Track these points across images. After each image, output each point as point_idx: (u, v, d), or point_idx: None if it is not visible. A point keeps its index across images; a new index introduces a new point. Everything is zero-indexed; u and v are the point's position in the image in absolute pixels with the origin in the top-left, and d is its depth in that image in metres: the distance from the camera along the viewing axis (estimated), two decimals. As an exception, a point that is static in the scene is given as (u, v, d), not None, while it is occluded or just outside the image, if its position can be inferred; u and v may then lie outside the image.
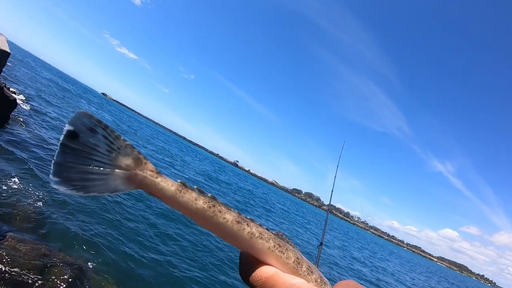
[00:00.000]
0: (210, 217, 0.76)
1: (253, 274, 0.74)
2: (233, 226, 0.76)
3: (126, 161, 0.75)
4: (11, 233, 7.48)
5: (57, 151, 0.70)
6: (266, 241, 0.77)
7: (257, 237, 0.77)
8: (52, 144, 17.03)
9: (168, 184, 0.76)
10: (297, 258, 0.79)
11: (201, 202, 0.76)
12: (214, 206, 0.77)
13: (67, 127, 0.70)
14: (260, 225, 0.82)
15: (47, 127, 19.93)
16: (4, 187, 9.85)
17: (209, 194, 0.79)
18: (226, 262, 13.95)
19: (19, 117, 17.84)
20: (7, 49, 11.09)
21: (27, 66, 66.94)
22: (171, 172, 29.87)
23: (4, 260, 6.61)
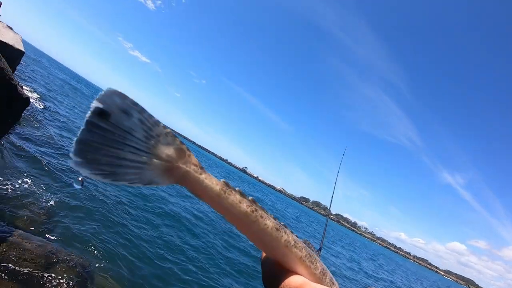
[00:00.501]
0: (252, 222, 0.70)
1: (283, 283, 0.70)
2: (272, 233, 0.71)
3: (167, 151, 0.65)
4: (19, 231, 7.49)
5: (81, 128, 0.62)
6: (300, 250, 0.73)
7: (293, 245, 0.73)
8: (64, 143, 17.13)
9: (213, 183, 0.68)
10: (323, 269, 0.77)
11: (244, 206, 0.69)
12: (256, 210, 0.70)
13: (95, 104, 0.62)
14: (292, 232, 0.77)
15: (58, 126, 20.05)
16: (16, 185, 9.88)
17: (250, 197, 0.72)
18: (227, 268, 13.92)
19: (31, 115, 17.97)
20: (22, 48, 11.15)
21: (41, 66, 67.59)
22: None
23: (10, 257, 6.60)
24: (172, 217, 16.24)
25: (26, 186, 10.27)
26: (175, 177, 0.67)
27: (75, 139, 0.61)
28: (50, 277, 7.01)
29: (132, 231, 11.90)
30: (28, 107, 7.36)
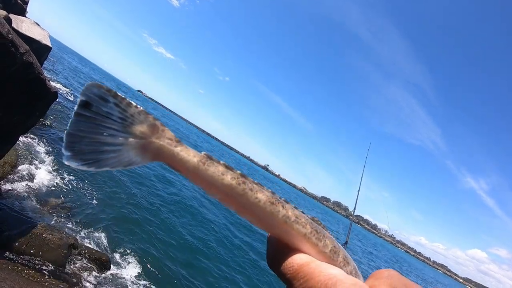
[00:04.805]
0: (239, 196, 0.65)
1: (285, 262, 0.65)
2: (266, 207, 0.65)
3: (141, 128, 0.67)
4: (42, 222, 7.63)
5: (70, 121, 0.64)
6: (303, 227, 0.66)
7: (293, 221, 0.66)
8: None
9: (190, 155, 0.67)
10: (334, 247, 0.69)
11: (229, 178, 0.65)
12: (244, 183, 0.66)
13: (80, 98, 0.64)
14: (296, 207, 0.70)
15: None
16: (42, 177, 10.09)
17: (238, 171, 0.68)
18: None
19: (59, 109, 18.35)
20: (49, 44, 11.37)
21: (67, 61, 68.76)
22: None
23: (32, 248, 6.75)
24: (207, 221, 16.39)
25: (51, 178, 10.48)
26: (151, 153, 0.67)
27: (65, 132, 0.64)
28: (68, 269, 7.16)
29: (157, 228, 12.03)
30: (56, 101, 7.52)
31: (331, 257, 0.68)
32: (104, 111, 0.65)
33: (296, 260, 0.64)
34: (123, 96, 0.67)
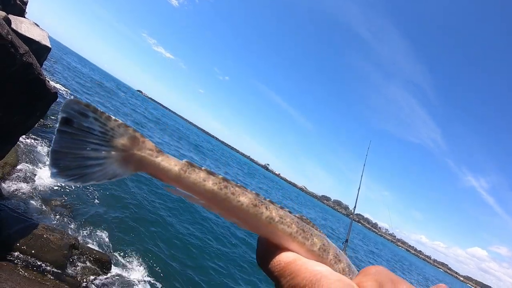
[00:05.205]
0: (221, 200, 0.68)
1: (273, 260, 0.67)
2: (249, 210, 0.68)
3: (121, 141, 0.69)
4: (43, 223, 7.63)
5: (53, 138, 0.67)
6: (288, 226, 0.68)
7: (277, 222, 0.68)
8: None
9: (171, 164, 0.69)
10: (323, 245, 0.70)
11: (210, 183, 0.68)
12: (226, 187, 0.68)
13: (60, 115, 0.66)
14: (282, 207, 0.72)
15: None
16: (42, 178, 10.09)
17: (220, 176, 0.69)
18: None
19: (59, 109, 18.26)
20: (48, 44, 11.36)
21: (67, 61, 68.75)
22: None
23: (32, 249, 6.75)
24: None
25: (52, 179, 10.48)
26: (133, 164, 0.70)
27: (49, 149, 0.66)
28: (69, 270, 7.17)
29: (157, 227, 12.05)
30: (56, 101, 7.54)
31: (320, 255, 0.69)
32: (85, 126, 0.67)
33: (283, 258, 0.65)
34: (102, 111, 0.68)
